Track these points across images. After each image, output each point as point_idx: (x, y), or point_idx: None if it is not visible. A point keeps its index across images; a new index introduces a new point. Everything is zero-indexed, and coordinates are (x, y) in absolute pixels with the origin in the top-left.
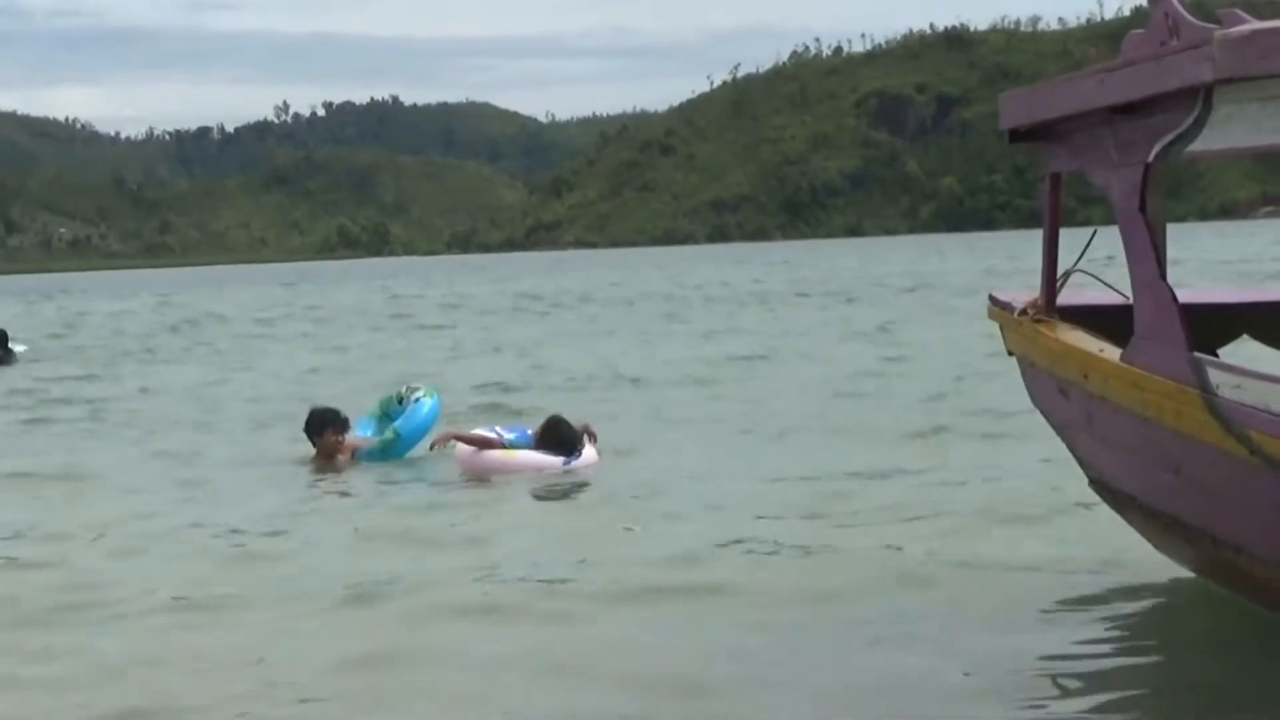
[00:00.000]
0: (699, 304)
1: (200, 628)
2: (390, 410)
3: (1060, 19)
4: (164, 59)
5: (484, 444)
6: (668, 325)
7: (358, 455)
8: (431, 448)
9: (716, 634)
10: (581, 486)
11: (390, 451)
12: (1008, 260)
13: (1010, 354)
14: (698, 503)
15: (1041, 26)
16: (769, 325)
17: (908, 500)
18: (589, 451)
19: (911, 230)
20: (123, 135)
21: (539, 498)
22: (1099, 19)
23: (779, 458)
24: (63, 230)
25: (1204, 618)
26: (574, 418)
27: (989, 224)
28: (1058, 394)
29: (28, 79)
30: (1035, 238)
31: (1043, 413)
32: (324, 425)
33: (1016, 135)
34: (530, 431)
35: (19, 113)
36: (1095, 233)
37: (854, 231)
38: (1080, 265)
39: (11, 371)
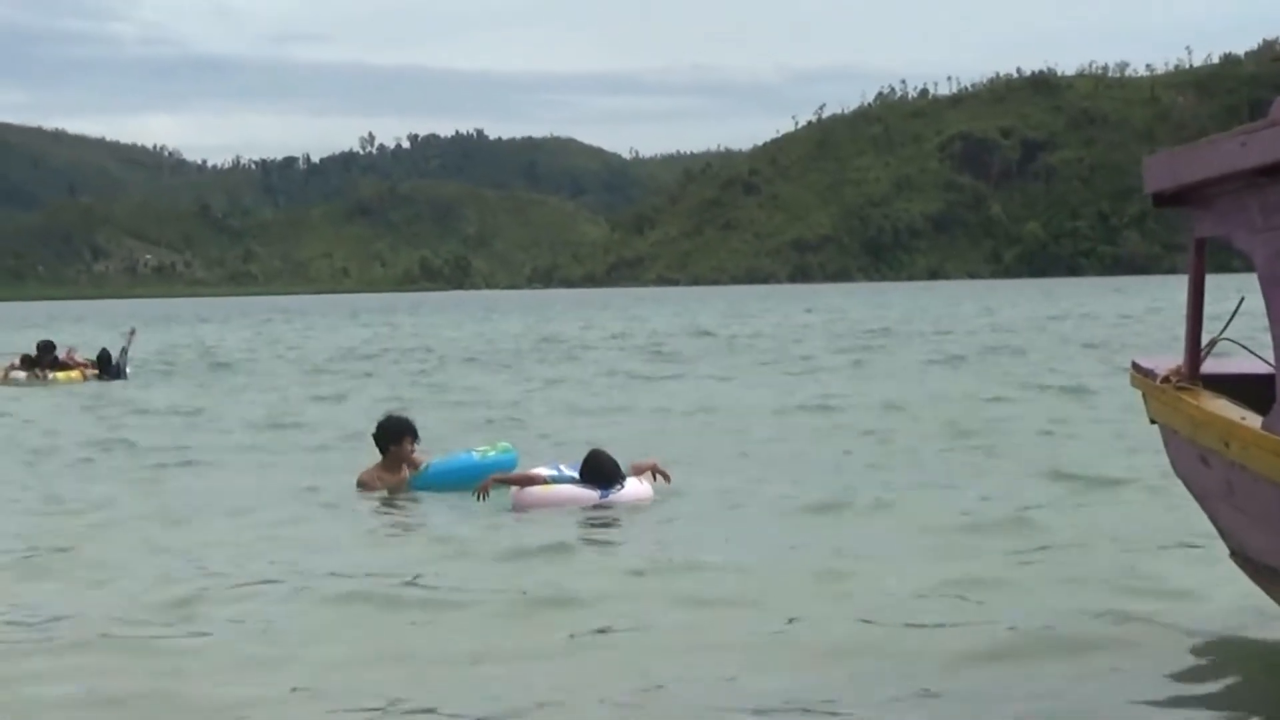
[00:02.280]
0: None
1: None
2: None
3: (1148, 65)
4: (251, 89)
5: (527, 481)
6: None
7: (411, 480)
8: (477, 496)
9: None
10: (587, 521)
11: (420, 481)
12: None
13: (1152, 422)
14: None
15: (1129, 72)
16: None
17: None
18: (635, 486)
19: (994, 275)
20: (209, 163)
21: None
22: (1188, 65)
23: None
24: (148, 257)
25: None
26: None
27: (1073, 270)
28: (1199, 463)
29: (117, 106)
30: (1124, 285)
31: (1184, 482)
32: (403, 434)
33: (1161, 199)
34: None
35: (107, 139)
36: (1243, 300)
37: (935, 274)
38: (1226, 333)
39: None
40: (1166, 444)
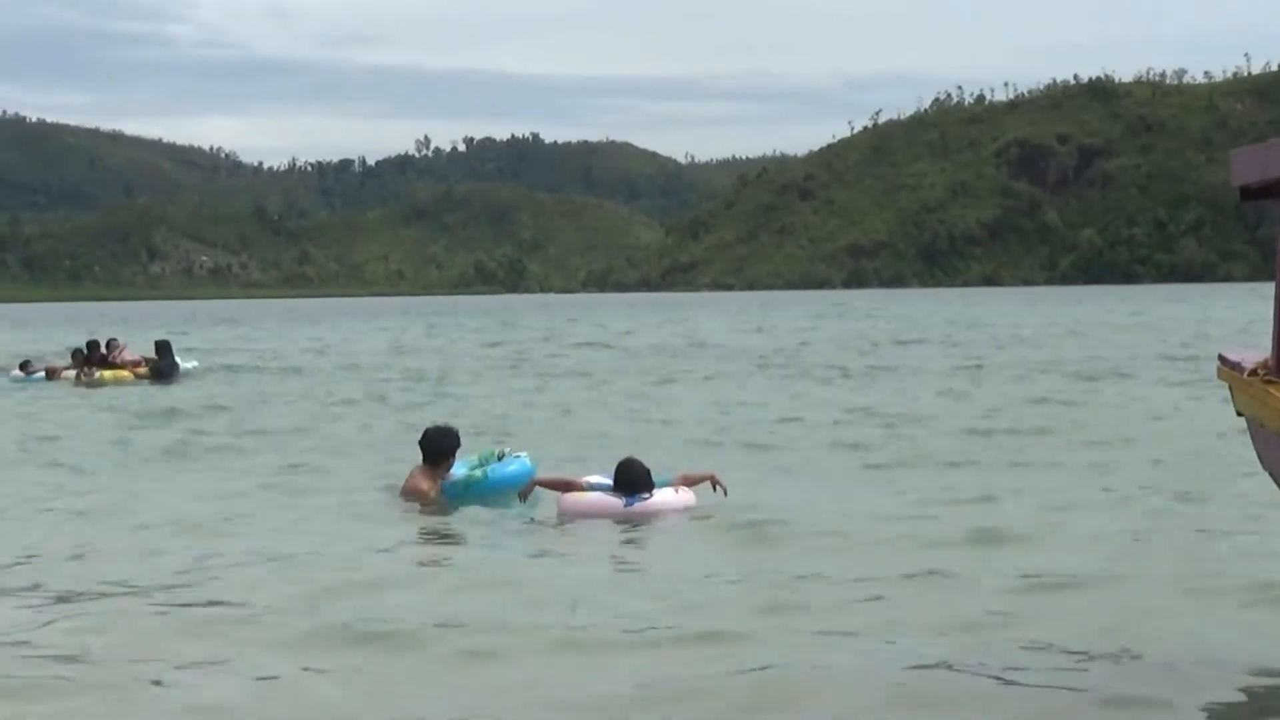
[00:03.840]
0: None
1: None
2: (487, 462)
3: (1206, 72)
4: (307, 91)
5: (565, 487)
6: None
7: (444, 487)
8: (521, 497)
9: None
10: (598, 532)
11: (472, 489)
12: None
13: (1239, 414)
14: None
15: (1187, 79)
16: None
17: None
18: (666, 496)
19: (1049, 281)
20: (266, 165)
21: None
22: (1246, 73)
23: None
24: (204, 258)
25: None
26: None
27: (1129, 277)
28: None
29: (174, 108)
30: (1184, 293)
31: (1271, 476)
32: (455, 448)
33: (1248, 193)
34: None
35: (165, 141)
36: None
37: (991, 281)
38: None
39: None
40: (1253, 436)
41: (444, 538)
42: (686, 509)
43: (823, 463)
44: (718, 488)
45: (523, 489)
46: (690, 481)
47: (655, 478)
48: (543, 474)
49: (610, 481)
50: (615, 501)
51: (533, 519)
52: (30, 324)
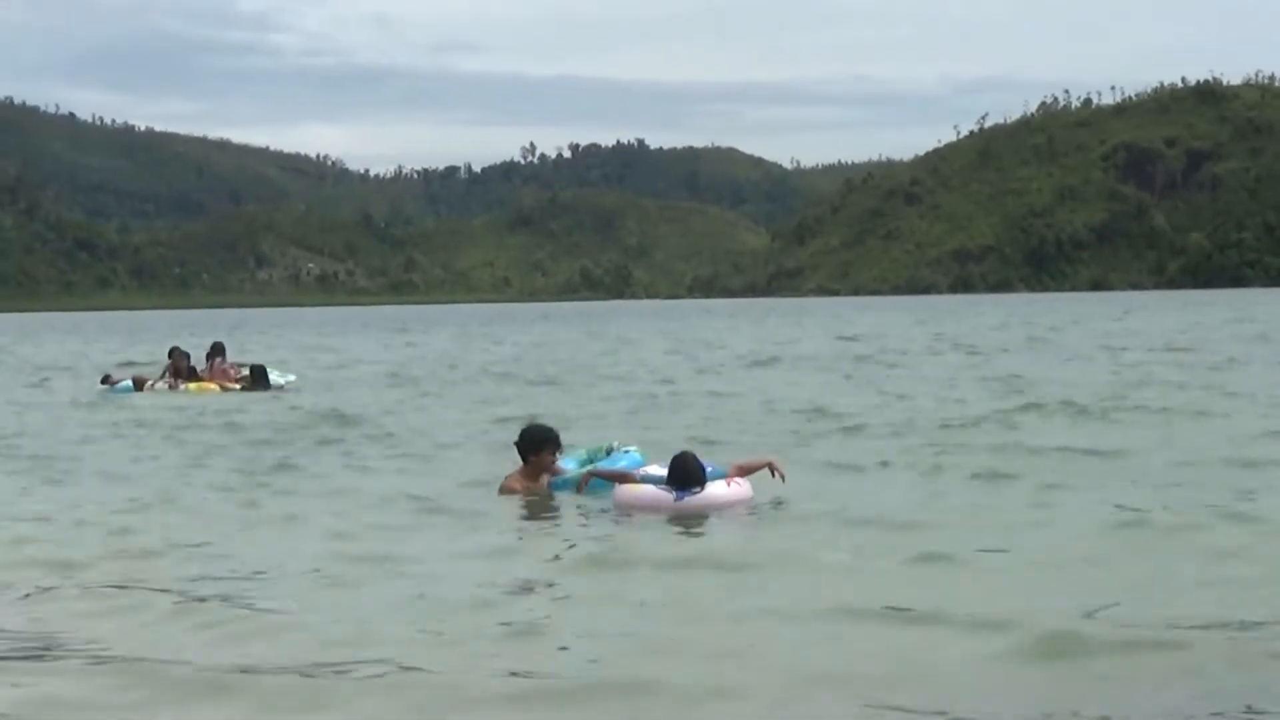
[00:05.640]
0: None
1: None
2: (596, 457)
3: None
4: (411, 98)
5: (620, 479)
6: None
7: (552, 482)
8: (578, 489)
9: None
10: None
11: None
12: None
13: None
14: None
15: None
16: None
17: None
18: (718, 490)
19: (1157, 286)
20: (372, 173)
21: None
22: None
23: None
24: (311, 265)
25: None
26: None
27: (1238, 281)
28: None
29: (280, 116)
30: None
31: None
32: (544, 443)
33: None
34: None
35: (271, 148)
36: None
37: (1098, 285)
38: None
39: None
40: None
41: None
42: (739, 501)
43: None
44: (776, 474)
45: (579, 481)
46: (745, 471)
47: (710, 470)
48: (593, 467)
49: (659, 472)
50: (666, 496)
51: (593, 511)
52: (139, 331)
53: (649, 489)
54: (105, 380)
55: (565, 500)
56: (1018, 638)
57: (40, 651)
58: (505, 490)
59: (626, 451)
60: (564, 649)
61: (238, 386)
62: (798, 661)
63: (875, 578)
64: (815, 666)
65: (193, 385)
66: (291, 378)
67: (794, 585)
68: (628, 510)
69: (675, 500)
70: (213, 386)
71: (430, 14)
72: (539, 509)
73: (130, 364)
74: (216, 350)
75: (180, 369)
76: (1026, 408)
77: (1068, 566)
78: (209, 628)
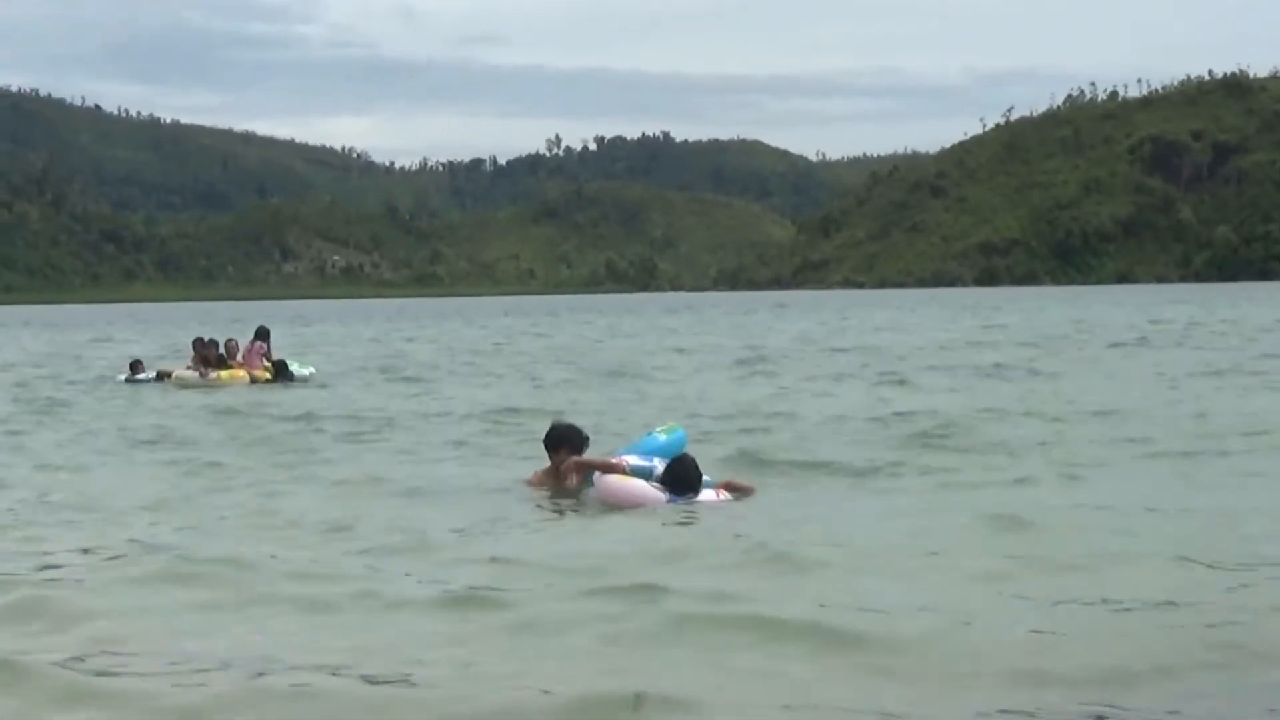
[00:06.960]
0: None
1: None
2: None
3: None
4: (436, 91)
5: (607, 469)
6: None
7: (586, 477)
8: (570, 481)
9: None
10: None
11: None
12: None
13: None
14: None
15: None
16: None
17: None
18: (710, 498)
19: (1183, 279)
20: (397, 165)
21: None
22: None
23: None
24: (336, 258)
25: None
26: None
27: (1264, 274)
28: None
29: (305, 108)
30: None
31: None
32: (561, 442)
33: None
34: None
35: (296, 141)
36: None
37: (1124, 278)
38: None
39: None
40: None
41: None
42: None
43: None
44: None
45: (565, 467)
46: (732, 489)
47: (705, 480)
48: (581, 457)
49: (648, 464)
50: (659, 496)
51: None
52: (167, 322)
53: (641, 487)
54: (133, 369)
55: (591, 498)
56: None
57: None
58: (530, 485)
59: (672, 431)
60: None
61: (267, 376)
62: None
63: None
64: None
65: (224, 373)
66: (311, 369)
67: None
68: (615, 503)
69: (669, 502)
70: (242, 374)
71: (455, 6)
72: (528, 506)
73: (161, 358)
74: (261, 335)
75: (209, 357)
76: None
77: None
78: None
